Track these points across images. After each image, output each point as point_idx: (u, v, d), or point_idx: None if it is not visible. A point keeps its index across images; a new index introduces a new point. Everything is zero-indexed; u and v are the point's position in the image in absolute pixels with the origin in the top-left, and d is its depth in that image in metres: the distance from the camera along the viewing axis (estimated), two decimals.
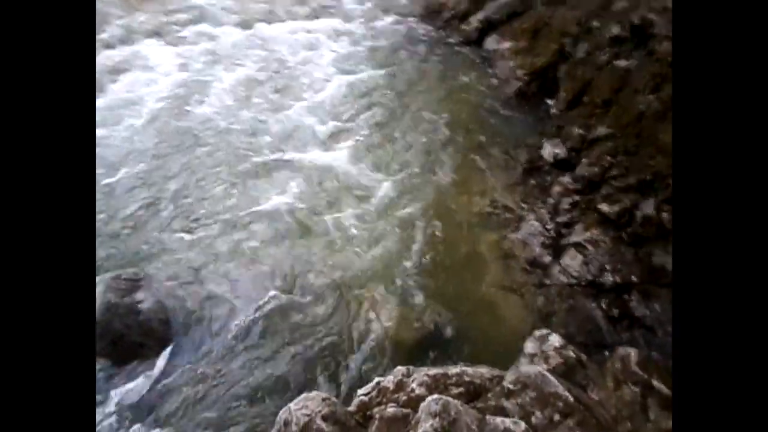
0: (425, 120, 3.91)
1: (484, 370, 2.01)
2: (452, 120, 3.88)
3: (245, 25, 5.04)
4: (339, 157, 3.55)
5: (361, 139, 3.71)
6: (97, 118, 3.80)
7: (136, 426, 1.88)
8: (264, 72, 4.39)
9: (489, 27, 4.75)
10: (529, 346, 2.13)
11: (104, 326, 2.39)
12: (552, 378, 1.84)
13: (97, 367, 2.32)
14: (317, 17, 5.20)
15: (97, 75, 4.34)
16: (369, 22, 5.12)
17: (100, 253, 2.79)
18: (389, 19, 5.16)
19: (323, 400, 1.78)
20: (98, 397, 2.19)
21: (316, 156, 3.54)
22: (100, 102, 4.02)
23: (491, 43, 4.64)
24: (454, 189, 3.33)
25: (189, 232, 2.99)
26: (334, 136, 3.73)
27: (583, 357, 2.05)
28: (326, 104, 4.04)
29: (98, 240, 2.88)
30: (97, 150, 3.51)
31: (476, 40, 4.75)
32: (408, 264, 2.86)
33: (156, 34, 4.91)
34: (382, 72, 4.43)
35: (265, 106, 3.99)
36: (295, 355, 2.42)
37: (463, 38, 4.83)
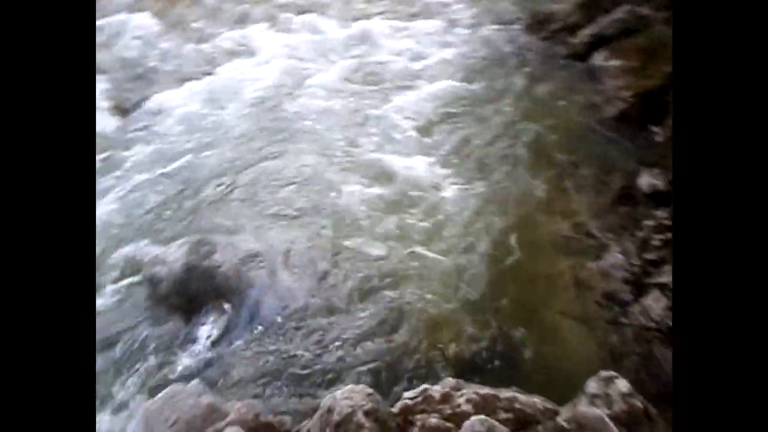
0: (517, 131, 3.78)
1: (537, 400, 1.91)
2: (545, 134, 3.71)
3: (350, 19, 5.17)
4: (424, 163, 3.52)
5: (449, 146, 3.65)
6: (199, 99, 4.09)
7: (194, 382, 2.00)
8: (361, 71, 4.46)
9: (599, 42, 4.47)
10: (592, 386, 1.98)
11: (181, 285, 2.58)
12: (612, 425, 1.70)
13: (170, 323, 2.51)
14: (422, 18, 5.21)
15: (211, 55, 4.69)
16: (472, 28, 5.04)
17: (180, 225, 3.00)
18: (494, 26, 5.04)
19: (368, 395, 1.78)
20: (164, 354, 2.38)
21: (400, 160, 3.54)
22: (203, 83, 4.32)
23: (599, 59, 4.37)
24: (536, 206, 3.18)
25: (266, 216, 3.12)
26: (423, 142, 3.70)
27: (652, 410, 1.87)
28: (418, 108, 4.02)
29: (178, 211, 3.11)
30: (188, 131, 3.78)
31: (583, 55, 4.50)
32: (476, 275, 2.79)
33: (267, 19, 5.18)
34: (479, 79, 4.35)
35: (356, 104, 4.06)
36: (345, 344, 2.45)
37: (569, 51, 4.60)
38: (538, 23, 4.99)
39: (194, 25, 5.22)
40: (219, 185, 3.36)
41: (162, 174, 3.49)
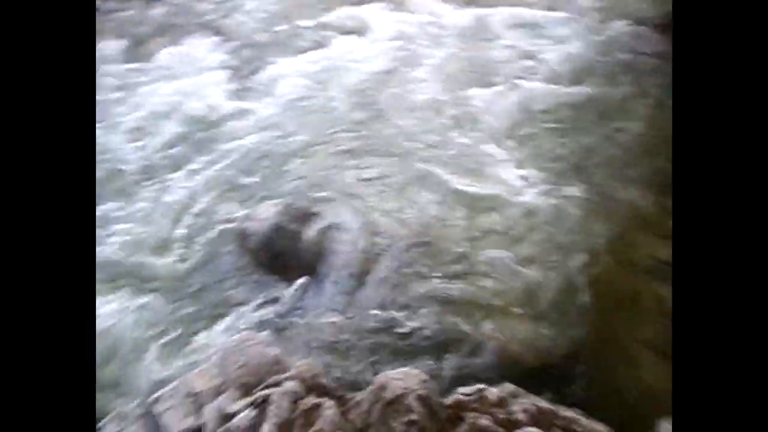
0: (624, 142, 3.49)
1: (601, 429, 1.80)
2: (654, 147, 3.38)
3: (468, 3, 5.04)
4: (516, 166, 3.37)
5: (551, 151, 3.45)
6: (307, 79, 4.20)
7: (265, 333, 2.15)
8: (469, 61, 4.32)
9: None
10: (666, 428, 1.82)
11: (267, 242, 2.76)
12: None
13: (254, 276, 2.68)
14: (548, 8, 4.91)
15: (320, 32, 4.83)
16: (598, 24, 4.69)
17: (275, 187, 3.15)
18: (620, 23, 4.64)
19: (423, 381, 1.79)
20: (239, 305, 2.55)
21: (495, 160, 3.41)
22: (310, 60, 4.41)
23: None
24: (636, 223, 2.94)
25: (353, 192, 3.18)
26: (524, 144, 3.52)
27: None
28: (524, 107, 3.82)
29: (276, 174, 3.26)
30: (291, 104, 3.89)
31: None
32: (557, 287, 2.65)
33: None
34: (593, 83, 4.05)
35: (458, 97, 3.94)
36: (415, 331, 2.47)
37: None
38: (669, 24, 4.52)
39: None
40: (313, 154, 3.50)
41: (270, 138, 3.68)
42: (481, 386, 1.92)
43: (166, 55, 4.64)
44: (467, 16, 4.85)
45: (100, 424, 1.79)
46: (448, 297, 2.59)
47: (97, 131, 3.75)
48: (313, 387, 1.88)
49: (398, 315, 2.54)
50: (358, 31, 4.81)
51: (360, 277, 2.69)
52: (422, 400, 1.73)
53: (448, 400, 1.85)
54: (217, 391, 1.78)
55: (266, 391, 1.67)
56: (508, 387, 1.94)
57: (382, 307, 2.58)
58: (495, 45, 4.49)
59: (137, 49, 4.81)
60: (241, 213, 3.00)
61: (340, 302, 2.59)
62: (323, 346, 2.42)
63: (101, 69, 4.51)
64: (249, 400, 1.65)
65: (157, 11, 5.47)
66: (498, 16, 4.81)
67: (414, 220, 2.98)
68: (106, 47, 4.83)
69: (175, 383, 1.87)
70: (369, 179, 3.29)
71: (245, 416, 1.57)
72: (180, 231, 3.01)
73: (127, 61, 4.62)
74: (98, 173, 3.31)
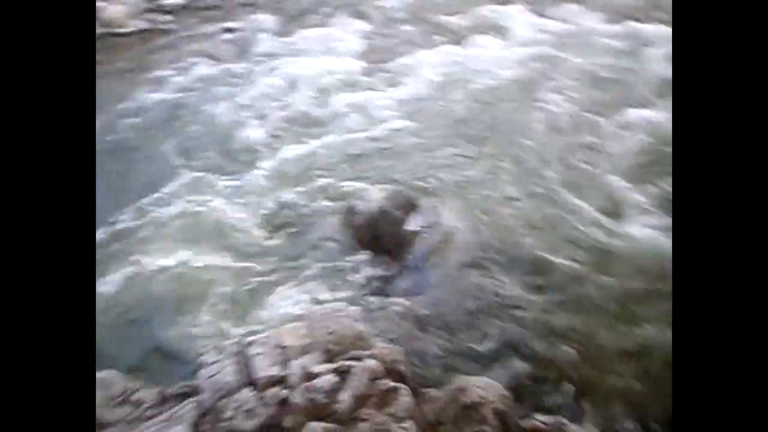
0: None
1: None
2: None
3: (619, 16, 4.71)
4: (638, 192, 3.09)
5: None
6: (437, 74, 4.17)
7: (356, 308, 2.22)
8: (611, 77, 4.04)
9: None
10: None
11: (370, 223, 2.84)
12: None
13: (362, 257, 2.76)
14: None
15: (458, 28, 4.78)
16: None
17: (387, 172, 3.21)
18: None
19: (503, 396, 1.74)
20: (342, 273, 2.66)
21: (618, 183, 3.16)
22: (443, 55, 4.37)
23: None
24: None
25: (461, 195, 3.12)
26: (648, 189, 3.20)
27: None
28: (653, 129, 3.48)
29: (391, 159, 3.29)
30: (418, 106, 3.88)
31: None
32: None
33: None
34: None
35: (589, 116, 3.69)
36: (497, 335, 2.38)
37: None
38: None
39: None
40: (429, 148, 3.51)
41: (390, 126, 3.76)
42: (563, 420, 1.81)
43: (311, 33, 4.97)
44: (618, 30, 4.53)
45: (202, 352, 1.99)
46: (546, 321, 2.45)
47: (231, 96, 4.15)
48: (391, 371, 1.91)
49: (481, 322, 2.47)
50: (496, 31, 4.71)
51: (452, 275, 2.67)
52: (499, 415, 1.67)
53: (526, 422, 1.77)
54: (303, 350, 1.88)
55: (350, 362, 1.73)
56: (592, 429, 1.81)
57: (468, 311, 2.53)
58: (641, 62, 4.14)
59: (288, 25, 5.21)
60: (351, 189, 3.13)
61: (429, 296, 2.59)
62: (404, 335, 2.43)
63: (256, 37, 5.00)
64: (332, 366, 1.72)
65: None
66: (650, 32, 4.42)
67: (517, 232, 2.88)
68: (266, 20, 5.31)
69: (267, 333, 2.01)
70: (478, 182, 3.23)
71: (327, 380, 1.64)
72: (291, 198, 3.20)
73: (279, 35, 5.03)
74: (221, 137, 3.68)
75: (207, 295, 2.65)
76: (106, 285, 2.71)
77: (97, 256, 2.79)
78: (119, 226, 3.10)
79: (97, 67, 4.79)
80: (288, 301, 2.63)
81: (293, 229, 3.02)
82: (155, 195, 3.29)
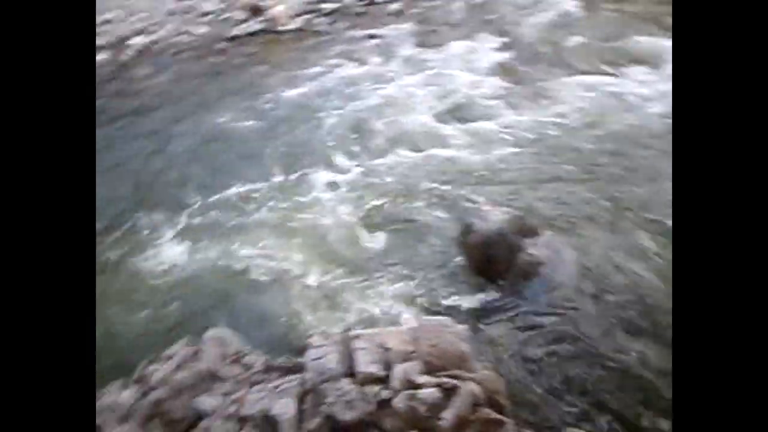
0: None
1: None
2: None
3: None
4: None
5: None
6: (577, 102, 3.96)
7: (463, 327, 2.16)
8: None
9: None
10: None
11: (486, 244, 2.75)
12: None
13: (463, 271, 2.72)
14: None
15: (616, 56, 4.49)
16: None
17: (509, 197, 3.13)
18: None
19: None
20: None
21: None
22: (585, 85, 4.15)
23: None
24: None
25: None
26: None
27: None
28: None
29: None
30: (550, 133, 3.73)
31: None
32: None
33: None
34: None
35: None
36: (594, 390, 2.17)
37: None
38: None
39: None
40: (550, 179, 3.35)
41: (517, 152, 3.65)
42: None
43: (453, 46, 5.03)
44: None
45: (310, 334, 2.08)
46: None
47: (365, 97, 4.35)
48: (489, 400, 1.83)
49: (587, 374, 2.26)
50: (650, 62, 4.35)
51: (562, 310, 2.50)
52: None
53: None
54: (406, 357, 1.87)
55: (455, 381, 1.68)
56: None
57: (575, 354, 2.34)
58: None
59: (430, 36, 5.33)
60: (470, 206, 3.09)
61: (538, 332, 2.45)
62: (508, 367, 2.31)
63: (398, 44, 5.22)
64: (435, 380, 1.69)
65: (457, 5, 5.93)
66: None
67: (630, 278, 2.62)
68: (410, 29, 5.50)
69: (373, 331, 2.04)
70: (598, 222, 2.99)
71: (431, 394, 1.61)
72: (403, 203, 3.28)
73: (420, 45, 5.18)
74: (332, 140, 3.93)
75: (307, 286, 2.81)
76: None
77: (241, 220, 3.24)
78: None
79: (250, 59, 5.44)
80: (387, 303, 2.66)
81: (404, 234, 3.07)
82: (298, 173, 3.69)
